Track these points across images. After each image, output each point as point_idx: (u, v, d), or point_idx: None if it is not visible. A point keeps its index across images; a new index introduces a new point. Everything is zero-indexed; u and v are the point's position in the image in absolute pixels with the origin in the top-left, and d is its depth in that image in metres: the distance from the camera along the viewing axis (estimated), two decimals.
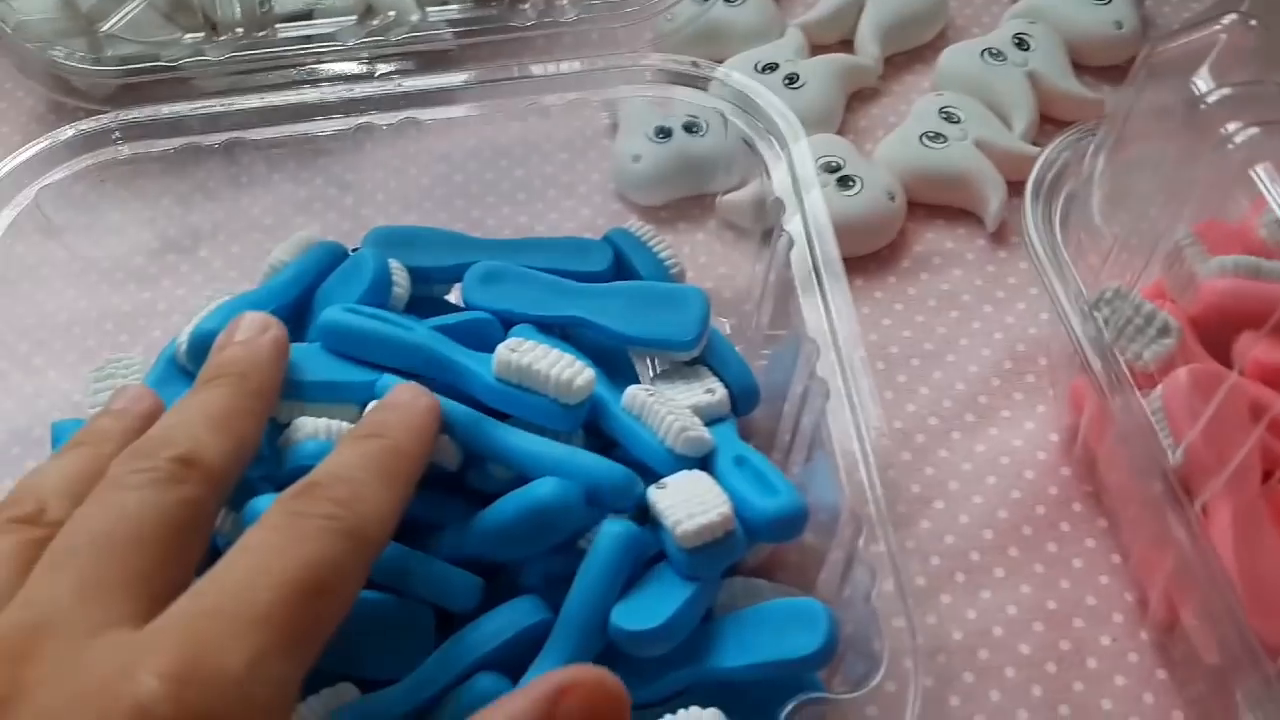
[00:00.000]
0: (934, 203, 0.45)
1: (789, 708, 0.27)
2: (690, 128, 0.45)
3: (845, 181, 0.43)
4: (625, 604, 0.29)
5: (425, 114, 0.40)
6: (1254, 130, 0.26)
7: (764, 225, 0.42)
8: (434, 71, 0.41)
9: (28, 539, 0.23)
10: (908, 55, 0.50)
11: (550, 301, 0.35)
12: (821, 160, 0.43)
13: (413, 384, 0.30)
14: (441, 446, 0.30)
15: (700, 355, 0.35)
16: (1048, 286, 0.34)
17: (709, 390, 0.34)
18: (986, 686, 0.33)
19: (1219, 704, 0.32)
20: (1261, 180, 0.27)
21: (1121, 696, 0.33)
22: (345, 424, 0.30)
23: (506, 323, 0.35)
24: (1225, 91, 0.27)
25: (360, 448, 0.26)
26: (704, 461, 0.32)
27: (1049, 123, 0.46)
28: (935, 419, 0.39)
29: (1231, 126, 0.27)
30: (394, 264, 0.36)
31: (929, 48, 0.50)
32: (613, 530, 0.29)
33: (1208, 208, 0.34)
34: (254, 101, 0.39)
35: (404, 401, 0.29)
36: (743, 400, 0.34)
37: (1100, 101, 0.47)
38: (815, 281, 0.34)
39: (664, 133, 0.45)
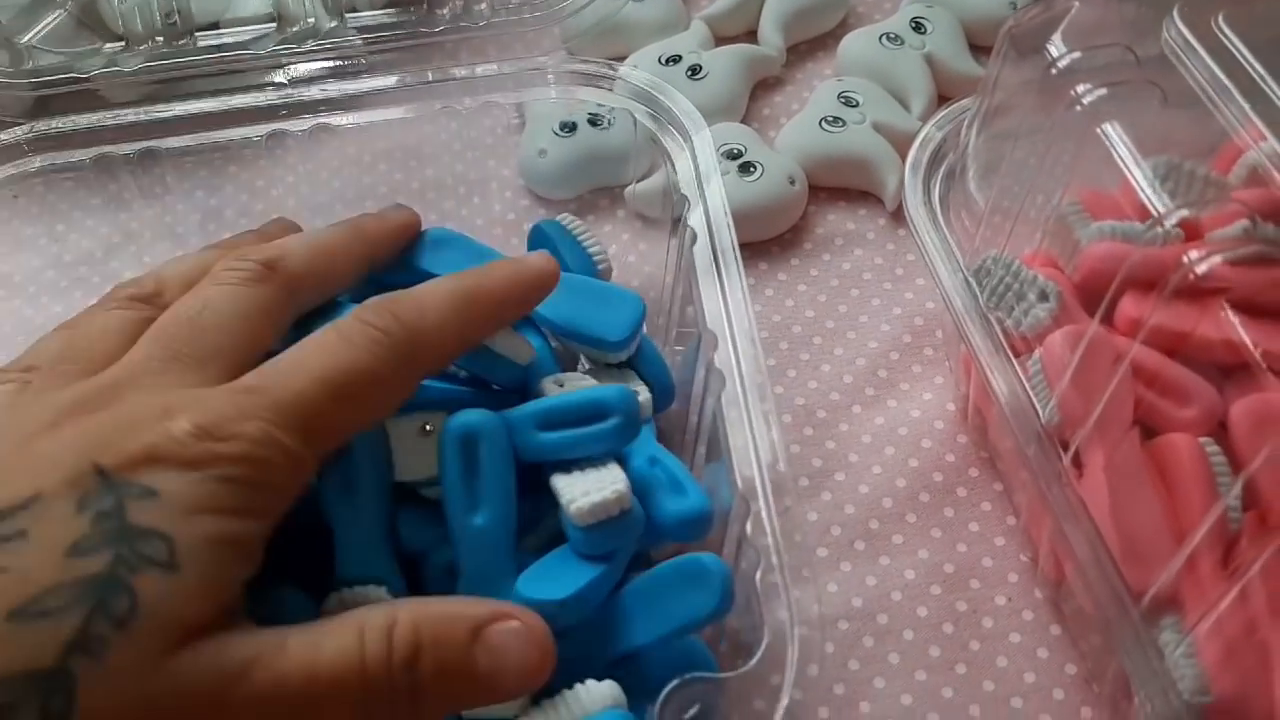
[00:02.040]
0: (835, 186, 0.45)
1: (669, 687, 0.27)
2: (594, 121, 0.46)
3: (746, 168, 0.44)
4: (531, 574, 0.30)
5: (337, 119, 0.41)
6: (1102, 91, 0.27)
7: (671, 215, 0.43)
8: (345, 78, 0.41)
9: (140, 316, 0.28)
10: (810, 44, 0.51)
11: None
12: (723, 148, 0.44)
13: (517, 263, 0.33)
14: (517, 341, 0.33)
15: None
16: (927, 258, 0.35)
17: (635, 391, 0.34)
18: (886, 650, 0.34)
19: (1109, 655, 0.33)
20: (1109, 138, 0.28)
21: (1017, 653, 0.34)
22: None
23: None
24: (1075, 55, 0.28)
25: (449, 283, 0.30)
26: (619, 459, 0.32)
27: (946, 103, 0.47)
28: (837, 394, 0.40)
29: (1081, 88, 0.28)
30: None
31: (831, 36, 0.51)
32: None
33: (1079, 175, 0.35)
34: (166, 112, 0.39)
35: (509, 268, 0.32)
36: (660, 399, 0.35)
37: None
38: (714, 272, 0.35)
39: (568, 127, 0.46)
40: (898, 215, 0.45)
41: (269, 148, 0.41)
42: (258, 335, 0.28)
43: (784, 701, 0.26)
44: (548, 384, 0.35)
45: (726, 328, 0.33)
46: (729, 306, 0.34)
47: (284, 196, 0.46)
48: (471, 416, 0.31)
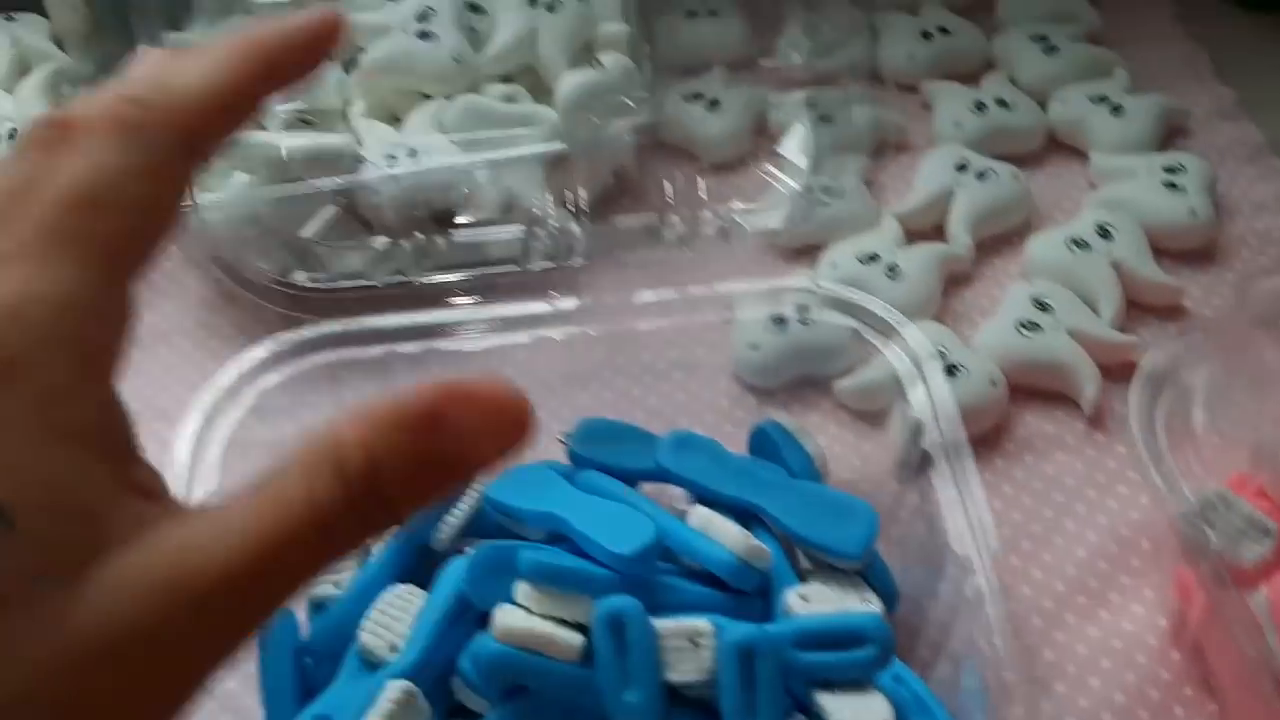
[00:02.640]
0: (1031, 387, 0.48)
1: None
2: (803, 320, 0.49)
3: (950, 370, 0.47)
4: None
5: (556, 332, 0.44)
6: None
7: (876, 407, 0.46)
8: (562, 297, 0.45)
9: None
10: (995, 240, 0.54)
11: (735, 483, 0.40)
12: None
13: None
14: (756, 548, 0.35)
15: None
16: (1154, 485, 0.37)
17: (865, 600, 0.37)
18: None
19: None
20: None
21: None
22: None
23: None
24: None
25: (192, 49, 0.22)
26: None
27: (1134, 308, 0.50)
28: (1049, 602, 0.42)
29: None
30: None
31: (1015, 233, 0.54)
32: None
33: None
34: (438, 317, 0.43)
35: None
36: (888, 605, 0.38)
37: (1181, 289, 0.50)
38: (951, 479, 0.38)
39: (779, 322, 0.49)
40: (1095, 421, 0.47)
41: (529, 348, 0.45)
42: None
43: None
44: (792, 597, 0.38)
45: (974, 547, 0.36)
46: (972, 521, 0.37)
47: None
48: (751, 634, 0.34)
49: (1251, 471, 0.40)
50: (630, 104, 0.51)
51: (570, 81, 0.53)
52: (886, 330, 0.43)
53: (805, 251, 0.54)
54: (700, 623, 0.35)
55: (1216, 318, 0.38)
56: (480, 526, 0.41)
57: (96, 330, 0.19)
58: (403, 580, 0.39)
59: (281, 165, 0.51)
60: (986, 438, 0.47)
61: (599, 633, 0.34)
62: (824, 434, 0.48)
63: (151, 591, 0.17)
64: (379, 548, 0.40)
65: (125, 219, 0.20)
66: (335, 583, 0.41)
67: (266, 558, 0.18)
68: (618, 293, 0.46)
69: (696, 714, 0.35)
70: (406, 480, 0.19)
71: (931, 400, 0.40)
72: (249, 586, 0.18)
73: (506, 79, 0.55)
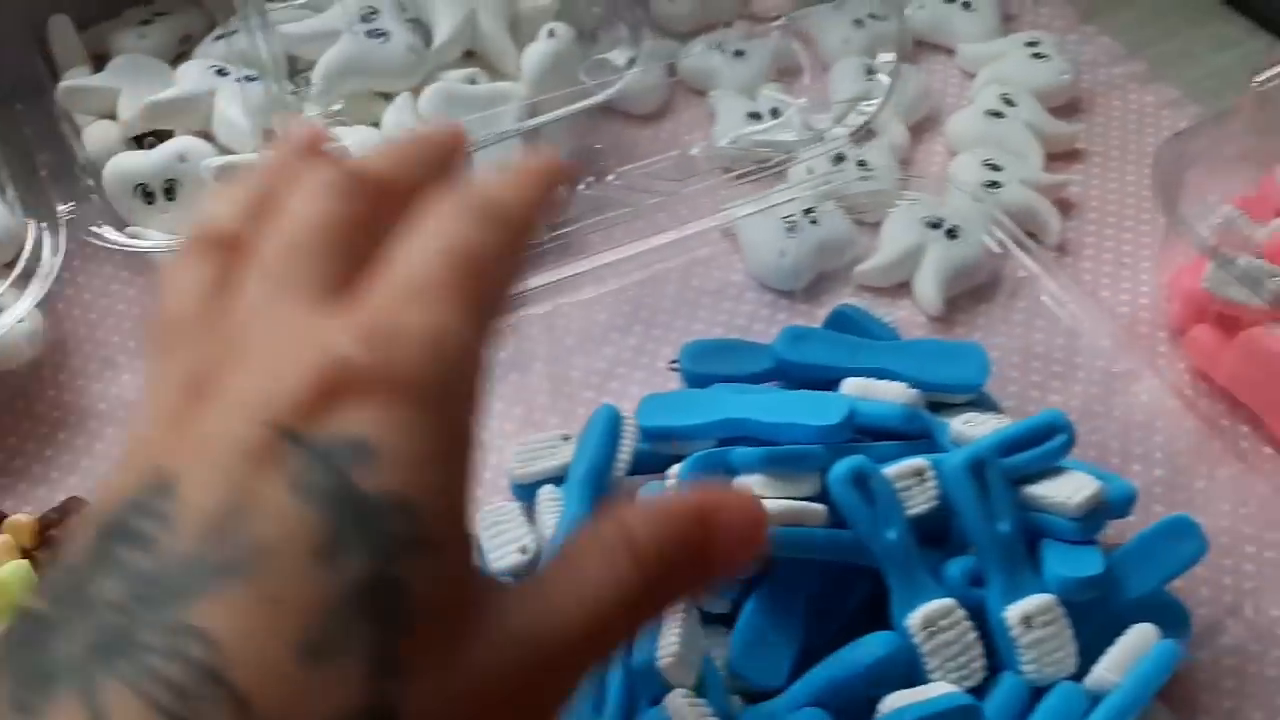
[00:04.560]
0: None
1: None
2: (811, 219, 0.55)
3: (951, 233, 0.54)
4: (1057, 563, 0.38)
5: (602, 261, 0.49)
6: None
7: (897, 280, 0.52)
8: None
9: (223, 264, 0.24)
10: (913, 128, 0.62)
11: (855, 357, 0.44)
12: (924, 218, 0.54)
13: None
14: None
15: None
16: (1201, 246, 0.46)
17: (999, 417, 0.43)
18: None
19: None
20: None
21: None
22: None
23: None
24: None
25: (489, 168, 0.27)
26: None
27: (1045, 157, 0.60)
28: (1096, 388, 0.50)
29: None
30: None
31: (926, 120, 0.62)
32: None
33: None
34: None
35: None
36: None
37: (1076, 133, 0.61)
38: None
39: (793, 228, 0.54)
40: (1059, 249, 0.56)
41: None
42: (362, 252, 0.23)
43: None
44: (959, 426, 0.43)
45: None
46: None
47: (562, 333, 0.52)
48: (974, 451, 0.39)
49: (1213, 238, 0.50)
50: (618, 64, 0.53)
51: (535, 52, 0.55)
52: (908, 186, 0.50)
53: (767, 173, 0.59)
54: (919, 460, 0.40)
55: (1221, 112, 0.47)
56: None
57: (479, 376, 0.22)
58: None
59: None
60: (982, 288, 0.54)
61: (844, 491, 0.38)
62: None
63: (524, 646, 0.20)
64: None
65: (498, 288, 0.23)
66: (520, 549, 0.42)
67: (594, 627, 0.21)
68: (635, 244, 0.50)
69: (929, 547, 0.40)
70: (684, 567, 0.23)
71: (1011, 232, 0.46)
72: (585, 649, 0.21)
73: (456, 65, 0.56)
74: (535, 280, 0.48)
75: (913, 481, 0.39)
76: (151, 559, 0.18)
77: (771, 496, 0.39)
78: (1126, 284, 0.55)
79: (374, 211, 0.23)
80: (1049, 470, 0.41)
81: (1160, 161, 0.48)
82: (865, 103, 0.55)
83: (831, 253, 0.54)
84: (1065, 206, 0.58)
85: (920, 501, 0.39)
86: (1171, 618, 0.39)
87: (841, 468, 0.39)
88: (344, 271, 0.22)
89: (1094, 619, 0.39)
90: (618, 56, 0.53)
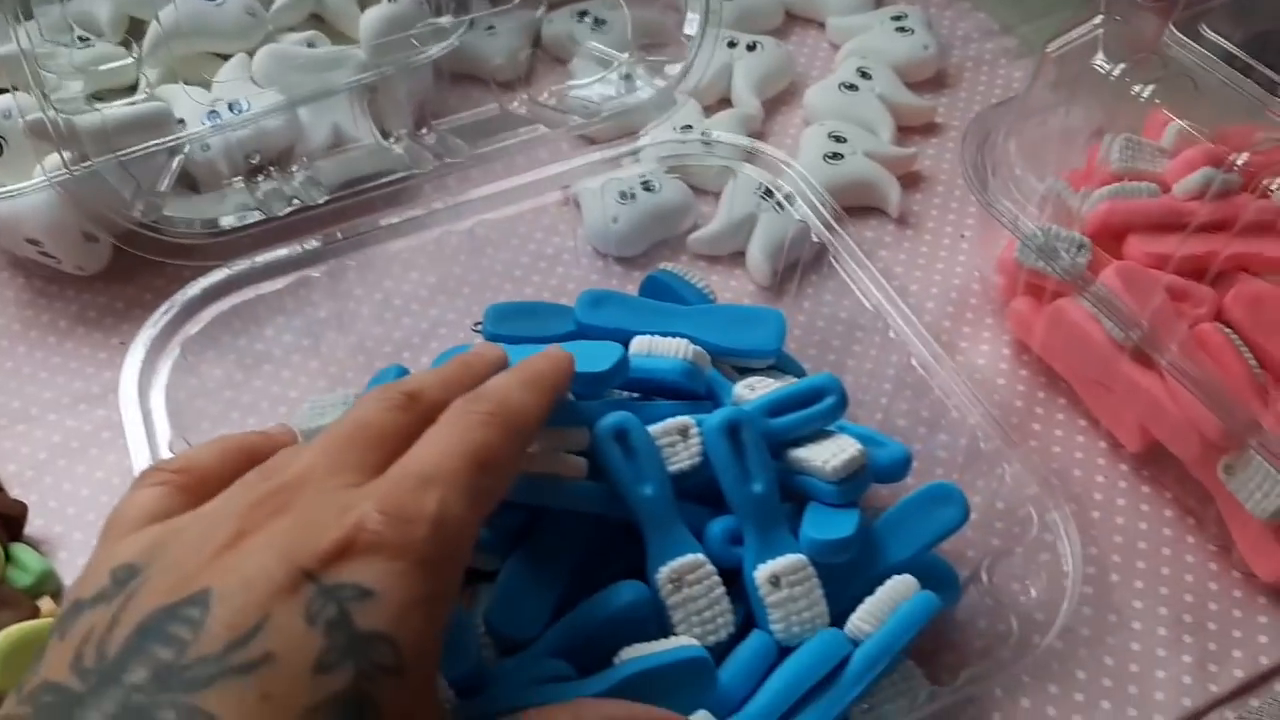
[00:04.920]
0: (846, 206, 0.56)
1: (986, 562, 0.36)
2: (647, 187, 0.54)
3: (782, 204, 0.53)
4: (808, 525, 0.38)
5: (444, 229, 0.48)
6: (1152, 86, 0.39)
7: (729, 250, 0.52)
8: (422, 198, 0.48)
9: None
10: (774, 100, 0.62)
11: (653, 321, 0.44)
12: (759, 189, 0.54)
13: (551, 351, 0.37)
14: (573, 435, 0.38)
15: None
16: (1008, 225, 0.45)
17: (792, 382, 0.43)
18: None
19: (1188, 490, 0.44)
20: (1169, 116, 0.41)
21: (1127, 512, 0.45)
22: None
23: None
24: (1123, 65, 0.40)
25: (514, 373, 0.34)
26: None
27: (900, 130, 0.59)
28: (915, 362, 0.50)
29: (1138, 88, 0.40)
30: None
31: (787, 92, 0.62)
32: None
33: (1069, 160, 0.48)
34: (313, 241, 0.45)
35: (549, 354, 0.36)
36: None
37: (932, 108, 0.60)
38: (856, 268, 0.44)
39: (628, 195, 0.54)
40: (900, 221, 0.56)
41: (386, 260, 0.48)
42: (399, 450, 0.29)
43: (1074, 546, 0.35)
44: (741, 389, 0.43)
45: (885, 301, 0.43)
46: (875, 281, 0.43)
47: (392, 295, 0.52)
48: (731, 412, 0.39)
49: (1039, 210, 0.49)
50: (444, 26, 0.53)
51: (372, 15, 0.55)
52: (743, 159, 0.49)
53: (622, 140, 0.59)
54: (684, 419, 0.39)
55: (1019, 92, 0.46)
56: None
57: (470, 547, 0.28)
58: None
59: (101, 137, 0.49)
60: (816, 259, 0.54)
61: (606, 444, 0.38)
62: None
63: None
64: None
65: (499, 479, 0.30)
66: None
67: None
68: (468, 192, 0.49)
69: (697, 505, 0.39)
70: None
71: (819, 211, 0.46)
72: None
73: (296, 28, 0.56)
74: (365, 242, 0.48)
75: (677, 439, 0.39)
76: (178, 654, 0.23)
77: (540, 448, 0.38)
78: (963, 257, 0.54)
79: (419, 420, 0.30)
80: (819, 434, 0.40)
81: (970, 135, 0.47)
82: (670, 67, 0.54)
83: (667, 220, 0.54)
84: (915, 180, 0.58)
85: (684, 459, 0.39)
86: (938, 579, 0.39)
87: (605, 422, 0.38)
88: (382, 462, 0.29)
89: (858, 581, 0.38)
90: (449, 20, 0.53)
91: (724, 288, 0.53)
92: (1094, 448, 0.47)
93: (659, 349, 0.42)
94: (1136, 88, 0.40)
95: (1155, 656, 0.41)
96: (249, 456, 0.31)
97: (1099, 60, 0.42)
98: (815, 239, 0.46)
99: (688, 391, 0.42)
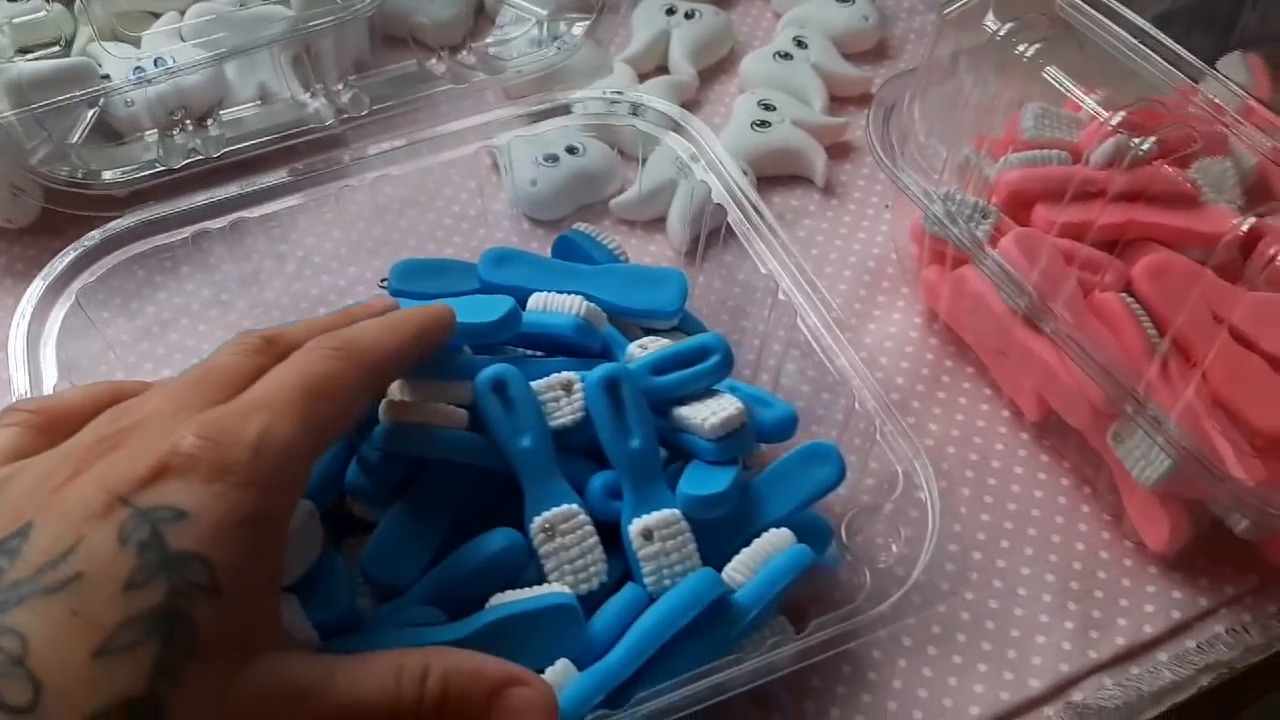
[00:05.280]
0: (773, 174, 0.56)
1: (849, 515, 0.37)
2: (571, 150, 0.54)
3: (707, 168, 0.53)
4: (686, 481, 0.38)
5: (350, 182, 0.47)
6: (1039, 45, 0.39)
7: (651, 215, 0.52)
8: (340, 148, 0.48)
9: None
10: (711, 69, 0.62)
11: (556, 280, 0.44)
12: (681, 157, 0.54)
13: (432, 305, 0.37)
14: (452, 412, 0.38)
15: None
16: (910, 195, 0.45)
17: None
18: (953, 506, 0.44)
19: (1086, 460, 0.44)
20: (1053, 78, 0.40)
21: (1024, 480, 0.45)
22: None
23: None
24: (1011, 24, 0.40)
25: (375, 319, 0.35)
26: None
27: (835, 100, 0.59)
28: (823, 329, 0.50)
29: (1022, 46, 0.39)
30: None
31: (726, 60, 0.62)
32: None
33: (986, 122, 0.47)
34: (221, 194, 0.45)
35: (425, 306, 0.37)
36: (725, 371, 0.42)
37: (869, 79, 0.60)
38: (756, 232, 0.44)
39: (551, 159, 0.54)
40: (826, 190, 0.56)
41: (293, 215, 0.47)
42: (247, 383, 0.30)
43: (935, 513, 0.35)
44: (633, 348, 0.43)
45: (782, 268, 0.43)
46: (779, 251, 0.43)
47: (310, 254, 0.52)
48: (611, 367, 0.39)
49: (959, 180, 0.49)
50: None
51: None
52: (671, 127, 0.49)
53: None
54: (568, 375, 0.40)
55: (926, 60, 0.46)
56: None
57: (300, 474, 0.29)
58: None
59: (19, 90, 0.50)
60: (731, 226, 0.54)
61: (485, 396, 0.38)
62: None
63: (293, 703, 0.26)
64: None
65: (338, 409, 0.31)
66: None
67: (353, 715, 0.27)
68: (400, 165, 0.49)
69: (583, 460, 0.40)
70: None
71: (726, 185, 0.46)
72: None
73: None
74: (270, 196, 0.48)
75: (561, 394, 0.39)
76: None
77: (420, 399, 0.39)
78: (885, 227, 0.54)
79: (273, 362, 0.31)
80: (705, 394, 0.40)
81: (878, 104, 0.47)
82: (581, 24, 0.54)
83: (590, 185, 0.54)
84: (845, 150, 0.58)
85: (566, 413, 0.39)
86: (815, 535, 0.39)
87: (484, 374, 0.39)
88: (226, 400, 0.29)
89: (736, 538, 0.39)
90: None
91: (643, 253, 0.53)
92: (997, 416, 0.47)
93: (554, 305, 0.43)
94: (1021, 47, 0.40)
95: (1038, 622, 0.41)
96: (113, 400, 0.32)
97: (989, 20, 0.42)
98: (718, 204, 0.46)
99: (582, 348, 0.42)
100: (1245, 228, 0.42)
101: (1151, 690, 0.40)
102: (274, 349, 0.32)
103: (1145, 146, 0.42)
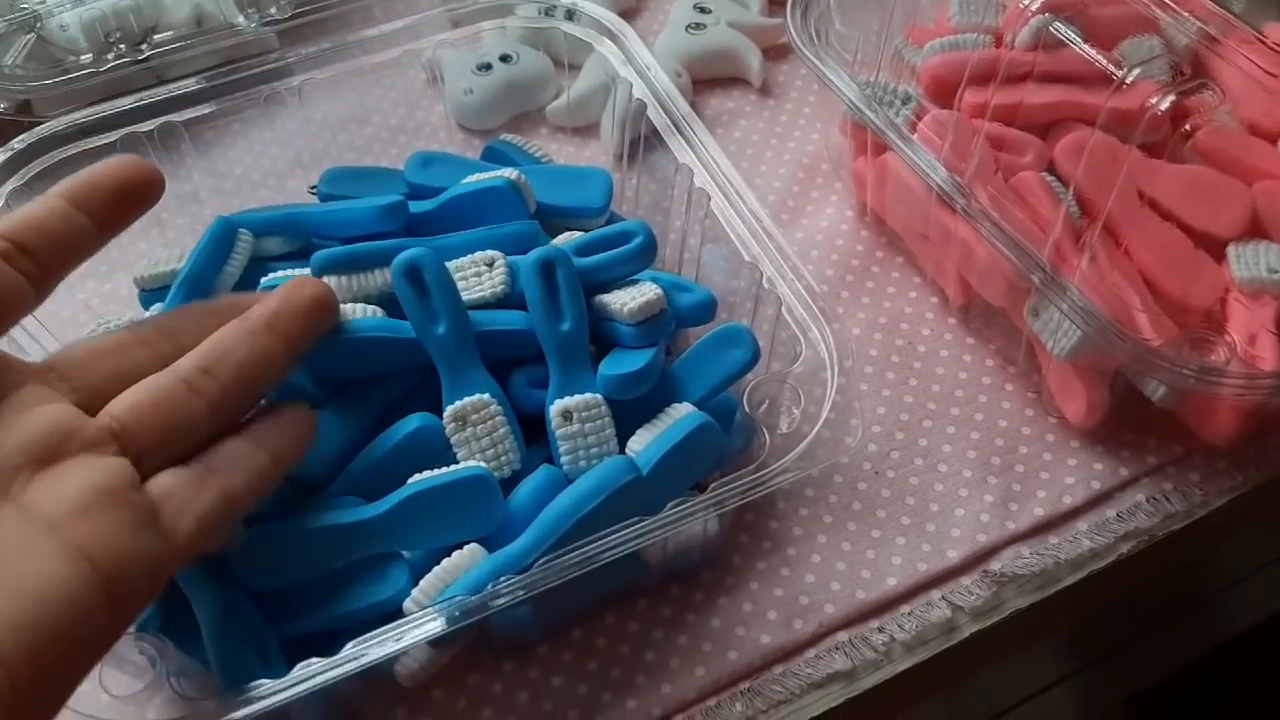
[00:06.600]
0: (710, 77, 0.56)
1: (750, 385, 0.37)
2: (505, 58, 0.54)
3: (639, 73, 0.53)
4: (607, 364, 0.39)
5: (277, 85, 0.47)
6: None
7: (588, 121, 0.52)
8: (274, 57, 0.48)
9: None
10: None
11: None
12: (613, 63, 0.54)
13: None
14: None
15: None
16: (832, 86, 0.45)
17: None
18: (864, 372, 0.45)
19: (1011, 341, 0.44)
20: None
21: (949, 362, 0.45)
22: None
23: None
24: None
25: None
26: None
27: (775, 3, 0.59)
28: (758, 221, 0.50)
29: None
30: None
31: None
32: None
33: (911, 13, 0.47)
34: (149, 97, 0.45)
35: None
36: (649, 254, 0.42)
37: None
38: (675, 129, 0.44)
39: (485, 67, 0.54)
40: (763, 90, 0.56)
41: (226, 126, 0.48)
42: None
43: (835, 380, 0.36)
44: (561, 238, 0.43)
45: (701, 162, 0.43)
46: (703, 147, 0.43)
47: (250, 169, 0.53)
48: (547, 249, 0.39)
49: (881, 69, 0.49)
50: None
51: None
52: (605, 34, 0.49)
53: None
54: (492, 252, 0.40)
55: None
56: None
57: None
58: None
59: None
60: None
61: (399, 284, 0.39)
62: (545, 153, 0.54)
63: None
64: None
65: None
66: None
67: None
68: (328, 67, 0.49)
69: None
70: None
71: (651, 87, 0.46)
72: None
73: None
74: (214, 103, 0.48)
75: (484, 269, 0.40)
76: None
77: (345, 300, 0.39)
78: (820, 123, 0.54)
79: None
80: (627, 283, 0.41)
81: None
82: None
83: (525, 92, 0.54)
84: (784, 51, 0.58)
85: (486, 288, 0.40)
86: (723, 414, 0.40)
87: (398, 260, 0.39)
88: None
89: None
90: None
91: (578, 158, 0.53)
92: (925, 302, 0.47)
93: (485, 178, 0.43)
94: None
95: (958, 497, 0.42)
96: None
97: None
98: (639, 100, 0.46)
99: (512, 216, 0.43)
100: (1164, 106, 0.42)
101: (1069, 558, 0.41)
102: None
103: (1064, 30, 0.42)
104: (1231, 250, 0.42)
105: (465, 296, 0.39)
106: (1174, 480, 0.42)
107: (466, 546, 0.36)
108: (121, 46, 0.52)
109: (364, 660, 0.32)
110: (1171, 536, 0.42)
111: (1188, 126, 0.42)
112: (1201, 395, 0.41)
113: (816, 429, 0.35)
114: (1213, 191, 0.44)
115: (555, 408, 0.38)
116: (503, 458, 0.38)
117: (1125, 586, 0.42)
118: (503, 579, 0.33)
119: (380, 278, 0.40)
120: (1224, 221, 0.43)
